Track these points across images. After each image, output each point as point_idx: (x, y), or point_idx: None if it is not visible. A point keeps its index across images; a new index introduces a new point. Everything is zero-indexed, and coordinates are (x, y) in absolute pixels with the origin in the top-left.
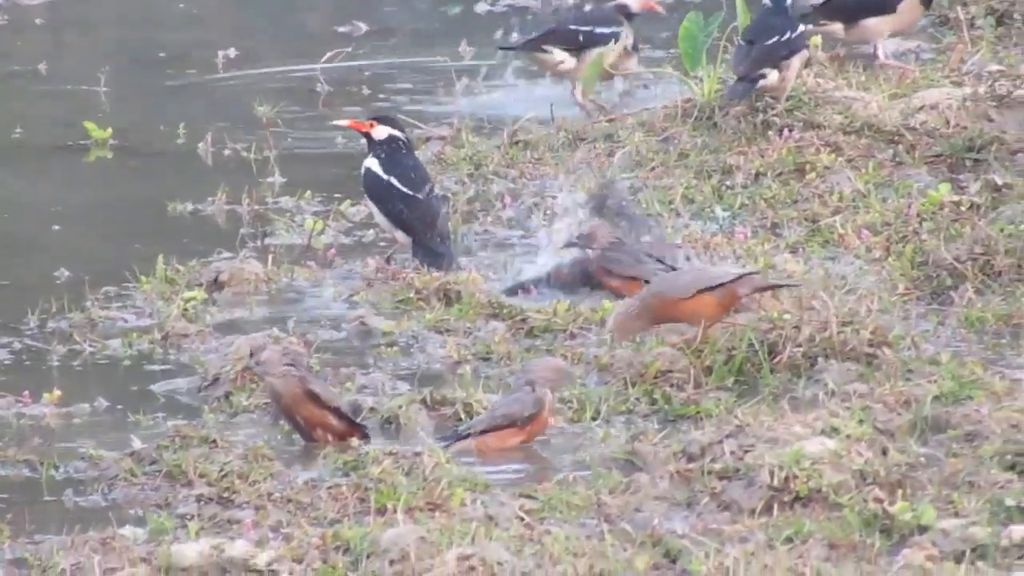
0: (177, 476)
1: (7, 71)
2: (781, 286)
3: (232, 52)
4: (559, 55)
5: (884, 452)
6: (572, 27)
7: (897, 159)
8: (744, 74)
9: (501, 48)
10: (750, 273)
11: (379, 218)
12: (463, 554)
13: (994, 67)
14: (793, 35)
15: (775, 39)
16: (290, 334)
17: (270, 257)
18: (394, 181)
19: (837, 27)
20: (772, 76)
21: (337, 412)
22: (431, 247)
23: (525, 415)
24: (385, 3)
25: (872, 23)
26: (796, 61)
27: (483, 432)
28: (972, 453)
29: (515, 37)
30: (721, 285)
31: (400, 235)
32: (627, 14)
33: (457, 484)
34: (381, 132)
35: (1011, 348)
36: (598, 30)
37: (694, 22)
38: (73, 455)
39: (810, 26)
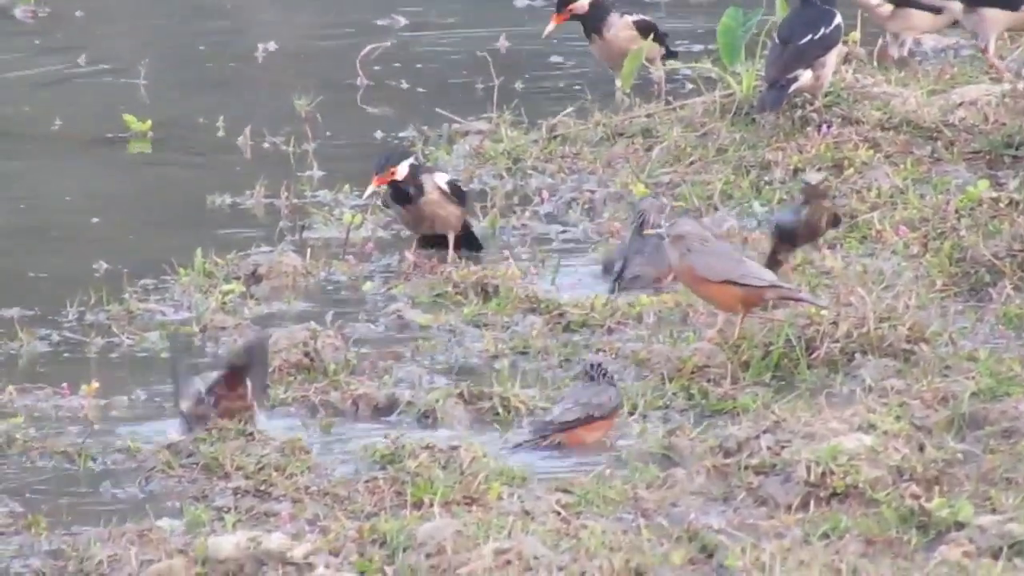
0: (214, 469)
1: (47, 63)
2: (807, 302)
3: (272, 45)
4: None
5: (921, 448)
6: None
7: (935, 155)
8: (774, 79)
9: None
10: (779, 286)
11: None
12: (499, 548)
13: None
14: (828, 30)
15: (808, 37)
16: (328, 327)
17: (308, 250)
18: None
19: (957, 6)
20: (806, 76)
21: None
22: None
23: (612, 406)
24: None
25: (991, 14)
26: (832, 58)
27: (573, 426)
28: (1010, 449)
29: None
30: (748, 285)
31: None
32: None
33: (494, 478)
34: (403, 170)
35: None
36: None
37: (733, 17)
38: (111, 447)
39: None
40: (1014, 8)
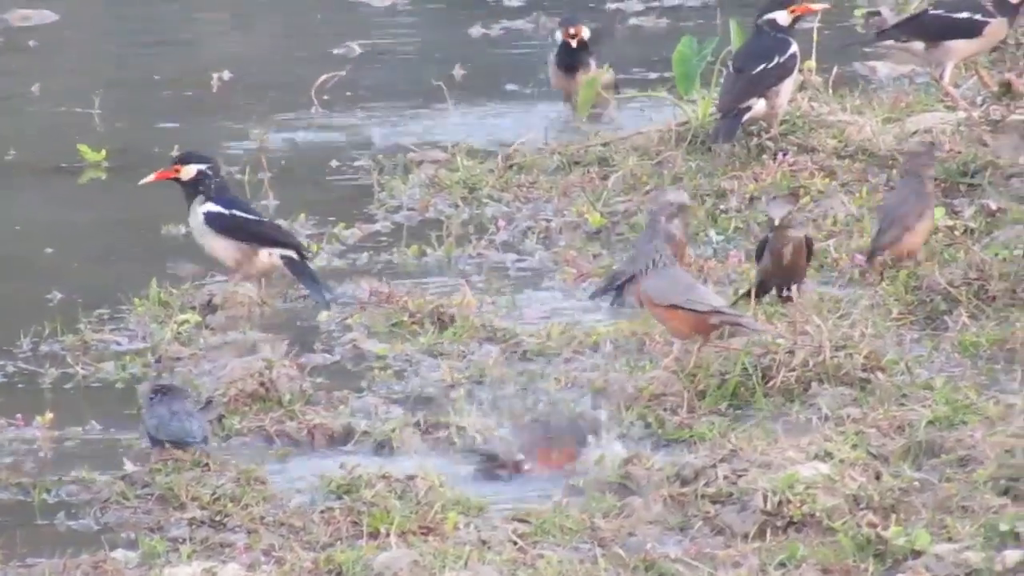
0: (170, 499)
1: (1, 93)
2: (752, 329)
3: (227, 74)
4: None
5: (878, 477)
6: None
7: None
8: (728, 108)
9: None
10: (722, 312)
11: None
12: None
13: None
14: (782, 59)
15: (762, 66)
16: (283, 357)
17: (263, 280)
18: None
19: (918, 46)
20: (760, 105)
21: None
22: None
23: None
24: (379, 26)
25: (956, 45)
26: (786, 86)
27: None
28: (966, 478)
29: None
30: (693, 311)
31: (279, 252)
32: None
33: (451, 507)
34: (190, 171)
35: (1005, 373)
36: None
37: (688, 45)
38: (66, 478)
39: (890, 42)
40: (975, 35)
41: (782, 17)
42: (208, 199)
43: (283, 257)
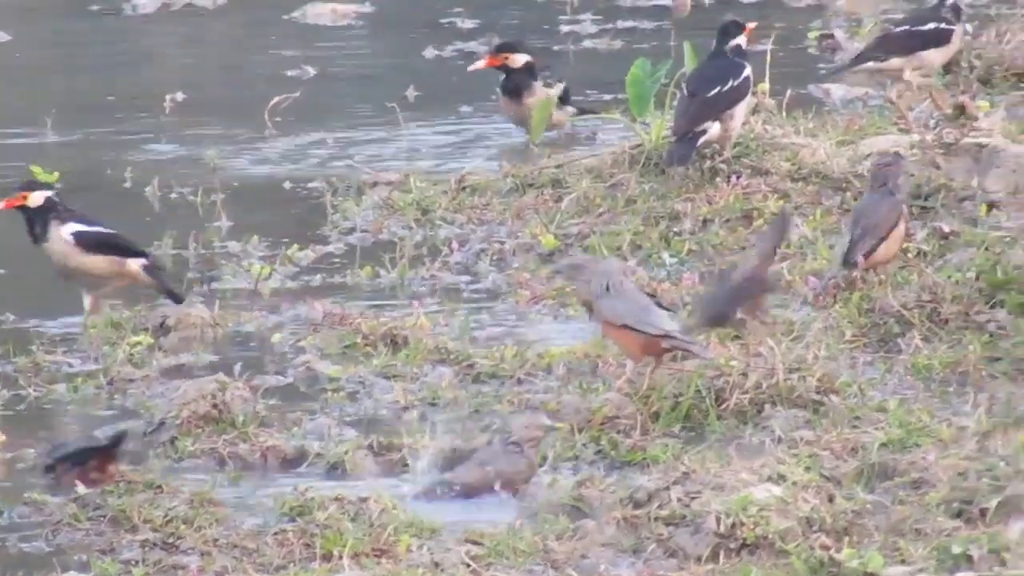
0: (122, 521)
1: None
2: (696, 356)
3: (180, 96)
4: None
5: (831, 499)
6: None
7: (845, 206)
8: (683, 131)
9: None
10: (672, 337)
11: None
12: None
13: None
14: (736, 82)
15: (716, 89)
16: (236, 379)
17: (217, 302)
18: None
19: (896, 62)
20: (714, 129)
21: None
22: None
23: (520, 479)
24: (333, 47)
25: (930, 55)
26: (740, 110)
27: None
28: (919, 500)
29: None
30: (643, 332)
31: (139, 261)
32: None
33: (403, 530)
34: (37, 198)
35: (958, 395)
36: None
37: (642, 68)
38: (17, 500)
39: (870, 63)
40: (944, 43)
41: (743, 41)
42: (65, 221)
43: (143, 266)
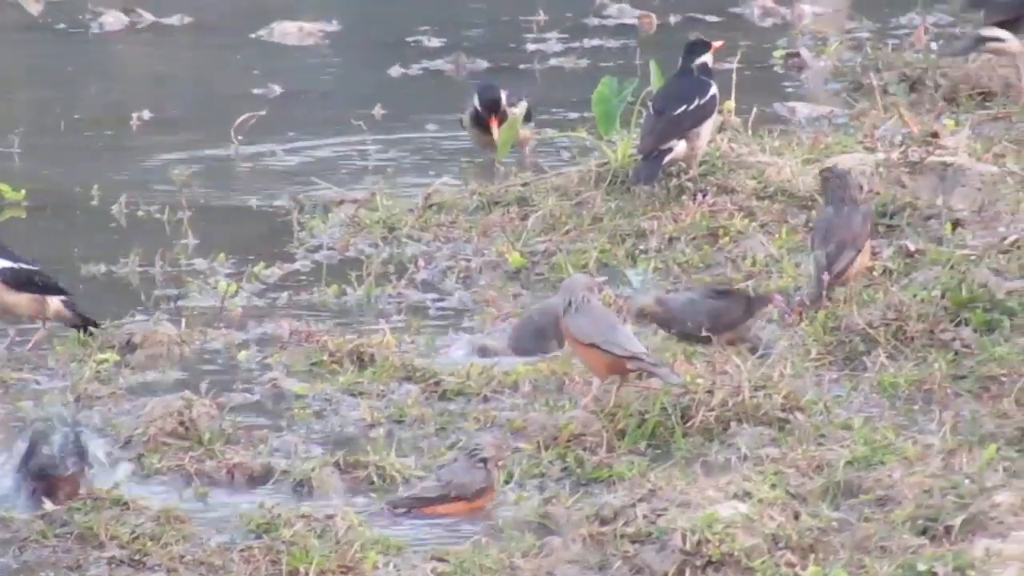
0: (88, 538)
1: None
2: (663, 378)
3: (147, 114)
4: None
5: (796, 516)
6: None
7: (810, 224)
8: (649, 149)
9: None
10: (639, 359)
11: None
12: None
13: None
14: (702, 101)
15: (683, 108)
16: (203, 396)
17: (183, 319)
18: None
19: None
20: (680, 147)
21: None
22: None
23: (476, 489)
24: (299, 66)
25: None
26: (706, 128)
27: (433, 502)
28: (884, 518)
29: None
30: (610, 352)
31: (59, 298)
32: None
33: (370, 547)
34: None
35: (923, 413)
36: None
37: (608, 86)
38: None
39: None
40: None
41: (710, 59)
42: None
43: (62, 301)
